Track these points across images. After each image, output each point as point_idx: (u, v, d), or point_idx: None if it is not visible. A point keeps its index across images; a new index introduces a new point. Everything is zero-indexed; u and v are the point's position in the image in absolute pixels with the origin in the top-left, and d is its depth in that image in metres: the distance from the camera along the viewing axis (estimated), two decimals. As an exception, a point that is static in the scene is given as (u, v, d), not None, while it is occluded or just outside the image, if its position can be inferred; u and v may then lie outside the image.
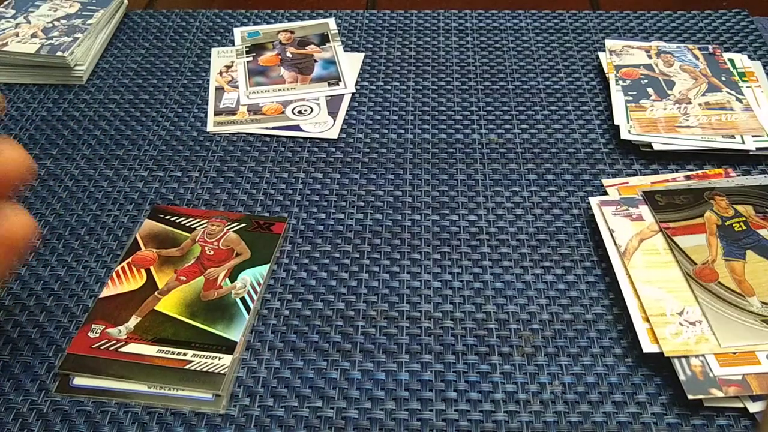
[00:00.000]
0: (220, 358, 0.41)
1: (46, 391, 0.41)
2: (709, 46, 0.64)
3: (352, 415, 0.39)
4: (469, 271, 0.47)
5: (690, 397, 0.38)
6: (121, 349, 0.42)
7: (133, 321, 0.43)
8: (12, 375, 0.42)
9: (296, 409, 0.40)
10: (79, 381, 0.41)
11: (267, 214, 0.51)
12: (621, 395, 0.40)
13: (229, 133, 0.58)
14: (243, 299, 0.45)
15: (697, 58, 0.62)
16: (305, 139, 0.58)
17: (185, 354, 0.41)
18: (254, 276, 0.46)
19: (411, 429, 0.39)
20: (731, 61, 0.62)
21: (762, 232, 0.46)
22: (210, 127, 0.59)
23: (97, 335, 0.43)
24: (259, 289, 0.46)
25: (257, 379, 0.41)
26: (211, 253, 0.48)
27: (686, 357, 0.39)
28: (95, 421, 0.39)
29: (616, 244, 0.46)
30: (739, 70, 0.61)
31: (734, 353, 0.39)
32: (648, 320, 0.41)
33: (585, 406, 0.39)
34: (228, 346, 0.42)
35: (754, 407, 0.38)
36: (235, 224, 0.50)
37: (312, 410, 0.40)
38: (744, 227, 0.46)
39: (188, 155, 0.56)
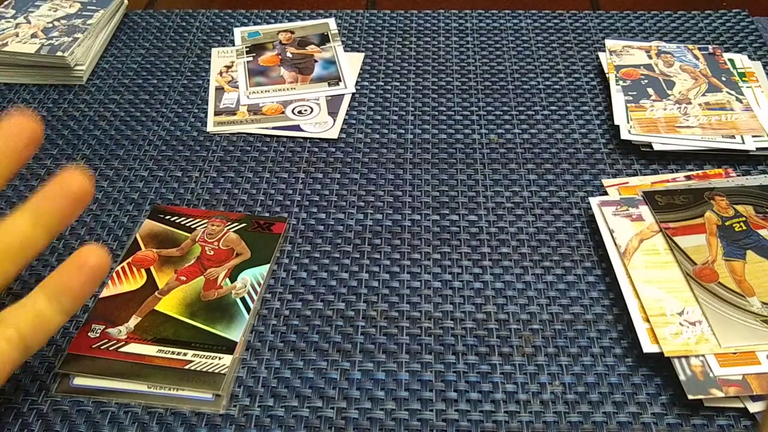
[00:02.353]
0: (220, 358, 0.41)
1: (46, 391, 0.41)
2: (709, 46, 0.64)
3: (352, 415, 0.39)
4: (469, 271, 0.47)
5: (690, 397, 0.38)
6: (121, 349, 0.42)
7: (133, 321, 0.43)
8: (12, 375, 0.41)
9: (296, 409, 0.40)
10: (79, 381, 0.41)
11: (267, 214, 0.51)
12: (621, 395, 0.40)
13: (229, 133, 0.58)
14: (243, 299, 0.45)
15: (697, 58, 0.62)
16: (305, 139, 0.58)
17: (185, 354, 0.41)
18: (254, 276, 0.46)
19: (411, 429, 0.39)
20: (731, 61, 0.62)
21: (762, 232, 0.46)
22: (210, 127, 0.59)
23: (97, 335, 0.43)
24: (259, 289, 0.45)
25: (257, 379, 0.41)
26: (212, 253, 0.48)
27: (686, 357, 0.39)
28: (95, 421, 0.39)
29: (616, 244, 0.46)
30: (739, 71, 0.61)
31: (734, 353, 0.39)
32: (648, 320, 0.41)
33: (585, 407, 0.39)
34: (228, 346, 0.42)
35: (754, 407, 0.38)
36: (235, 224, 0.50)
37: (312, 410, 0.40)
38: (744, 227, 0.46)
39: (188, 155, 0.56)
